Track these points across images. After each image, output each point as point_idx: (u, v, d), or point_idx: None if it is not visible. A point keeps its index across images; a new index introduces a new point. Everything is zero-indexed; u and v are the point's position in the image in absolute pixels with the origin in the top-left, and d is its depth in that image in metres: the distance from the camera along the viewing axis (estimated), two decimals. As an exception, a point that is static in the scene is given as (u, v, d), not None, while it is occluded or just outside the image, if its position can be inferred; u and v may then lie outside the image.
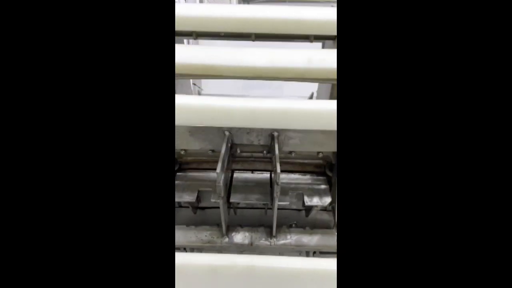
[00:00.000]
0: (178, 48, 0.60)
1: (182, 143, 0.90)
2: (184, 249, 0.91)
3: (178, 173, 1.06)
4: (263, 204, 1.01)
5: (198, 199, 1.03)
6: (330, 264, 0.56)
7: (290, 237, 0.91)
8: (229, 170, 1.02)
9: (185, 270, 0.50)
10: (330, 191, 1.02)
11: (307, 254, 0.92)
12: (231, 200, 0.96)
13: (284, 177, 1.08)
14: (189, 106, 0.65)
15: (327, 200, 0.98)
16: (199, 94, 1.61)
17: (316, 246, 0.91)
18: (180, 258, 0.52)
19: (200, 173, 1.07)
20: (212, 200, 0.97)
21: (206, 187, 1.00)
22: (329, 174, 1.08)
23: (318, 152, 0.98)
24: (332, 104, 0.68)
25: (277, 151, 0.83)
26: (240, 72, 0.53)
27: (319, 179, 1.08)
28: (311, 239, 0.92)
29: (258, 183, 1.05)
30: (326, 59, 0.56)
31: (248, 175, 1.08)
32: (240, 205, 1.07)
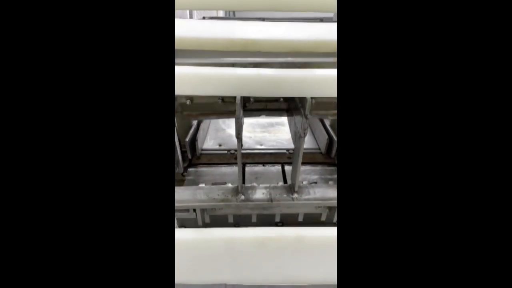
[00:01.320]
0: (210, 22, 0.58)
1: (187, 88, 0.70)
2: (194, 211, 0.82)
3: (189, 169, 1.03)
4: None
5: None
6: None
7: (314, 192, 0.83)
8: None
9: (233, 245, 0.48)
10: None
11: (330, 209, 0.85)
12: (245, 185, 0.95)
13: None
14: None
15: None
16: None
17: None
18: (227, 233, 0.50)
19: (211, 167, 1.05)
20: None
21: (218, 180, 0.98)
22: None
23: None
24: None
25: None
26: (278, 47, 0.52)
27: (330, 169, 1.08)
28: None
29: (271, 175, 1.04)
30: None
31: (259, 168, 1.07)
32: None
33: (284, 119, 1.39)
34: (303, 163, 1.11)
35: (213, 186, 0.88)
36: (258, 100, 0.88)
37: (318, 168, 1.09)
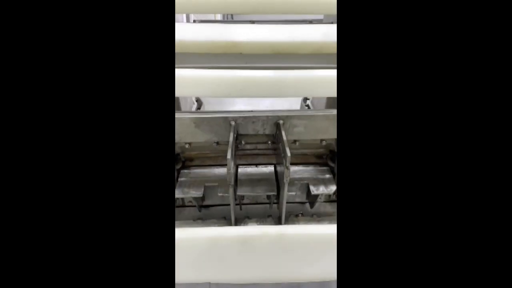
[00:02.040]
0: (194, 25, 0.60)
1: (186, 135, 0.90)
2: None
3: (182, 170, 1.04)
4: (269, 196, 1.01)
5: (204, 196, 1.02)
6: None
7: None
8: (234, 165, 1.02)
9: (218, 242, 0.49)
10: (334, 179, 1.03)
11: None
12: (238, 193, 0.96)
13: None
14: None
15: (333, 188, 0.99)
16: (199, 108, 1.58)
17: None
18: (213, 232, 0.52)
19: (205, 169, 1.06)
20: (219, 195, 0.97)
21: (211, 183, 0.99)
22: (332, 164, 1.09)
23: (321, 140, 0.99)
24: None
25: (284, 136, 0.83)
26: (260, 48, 0.54)
27: (322, 169, 1.09)
28: (318, 228, 0.92)
29: (263, 177, 1.05)
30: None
31: (252, 169, 1.08)
32: (245, 201, 1.07)
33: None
34: (296, 164, 1.13)
35: (210, 220, 0.95)
36: (248, 142, 0.99)
37: (310, 168, 1.10)
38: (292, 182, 1.01)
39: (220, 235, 0.52)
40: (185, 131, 0.87)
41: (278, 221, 0.92)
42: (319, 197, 1.04)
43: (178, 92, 0.66)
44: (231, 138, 0.80)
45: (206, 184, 0.98)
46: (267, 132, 0.92)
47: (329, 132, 0.92)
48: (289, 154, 0.74)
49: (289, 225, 0.53)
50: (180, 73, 0.66)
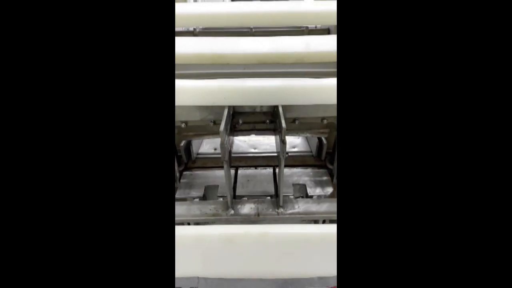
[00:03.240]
0: (184, 39, 0.64)
1: (182, 113, 0.87)
2: (188, 224, 0.88)
3: (184, 172, 1.09)
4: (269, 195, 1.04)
5: (204, 196, 1.06)
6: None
7: (298, 207, 0.88)
8: (231, 143, 1.01)
9: (202, 241, 0.53)
10: (332, 182, 1.06)
11: (315, 223, 0.89)
12: (237, 194, 1.00)
13: (287, 171, 1.12)
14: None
15: (329, 190, 1.02)
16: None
17: (325, 213, 0.87)
18: (197, 230, 0.56)
19: (206, 171, 1.11)
20: (218, 196, 1.01)
21: (211, 183, 1.04)
22: (330, 167, 1.12)
23: (323, 119, 0.94)
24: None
25: (281, 110, 0.79)
26: (245, 59, 0.57)
27: (320, 171, 1.12)
28: (320, 207, 0.89)
29: (262, 178, 1.09)
30: (323, 43, 0.60)
31: (251, 171, 1.12)
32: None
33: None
34: (295, 166, 1.16)
35: (206, 201, 0.95)
36: (246, 122, 0.95)
37: (308, 170, 1.13)
38: (289, 185, 1.04)
39: (209, 233, 0.56)
40: (180, 109, 0.83)
41: (276, 204, 0.90)
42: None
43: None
44: (225, 111, 0.78)
45: (206, 185, 1.03)
46: (264, 109, 0.91)
47: (329, 110, 0.88)
48: (284, 126, 0.72)
49: (271, 224, 0.56)
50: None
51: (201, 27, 0.94)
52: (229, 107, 0.81)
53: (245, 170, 1.13)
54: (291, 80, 0.64)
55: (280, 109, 0.77)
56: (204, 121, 0.89)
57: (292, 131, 0.98)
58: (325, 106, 0.86)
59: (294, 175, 1.11)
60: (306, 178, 1.08)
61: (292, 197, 0.97)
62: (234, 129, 0.95)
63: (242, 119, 0.92)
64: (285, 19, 0.83)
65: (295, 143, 1.31)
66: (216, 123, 0.88)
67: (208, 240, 0.54)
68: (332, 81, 0.68)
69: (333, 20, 0.86)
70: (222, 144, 0.69)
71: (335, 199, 0.91)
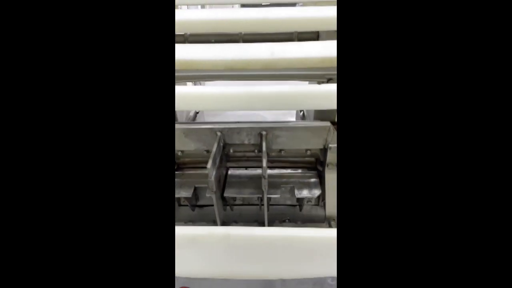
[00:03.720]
0: None
1: (178, 144, 0.99)
2: None
3: (175, 172, 1.13)
4: (257, 198, 1.06)
5: (196, 196, 1.09)
6: (300, 231, 0.62)
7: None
8: (223, 168, 1.09)
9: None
10: (320, 184, 1.06)
11: None
12: (225, 194, 1.02)
13: (277, 172, 1.13)
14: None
15: (316, 192, 1.02)
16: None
17: None
18: None
19: (197, 171, 1.14)
20: (207, 195, 1.04)
21: (202, 184, 1.06)
22: (320, 169, 1.12)
23: (306, 150, 1.03)
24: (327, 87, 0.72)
25: (264, 148, 0.90)
26: (214, 65, 0.59)
27: (310, 173, 1.12)
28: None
29: (251, 178, 1.10)
30: (287, 50, 0.61)
31: (242, 171, 1.14)
32: (236, 202, 1.13)
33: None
34: (285, 167, 1.17)
35: (199, 223, 1.05)
36: (237, 151, 1.05)
37: (298, 172, 1.13)
38: (278, 186, 1.06)
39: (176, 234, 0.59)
40: (176, 140, 0.95)
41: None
42: (308, 200, 1.08)
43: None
44: (214, 148, 0.87)
45: (196, 185, 1.06)
46: (252, 142, 0.98)
47: (312, 142, 0.97)
48: (265, 165, 0.83)
49: (238, 226, 0.59)
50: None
51: (188, 33, 0.97)
52: (219, 140, 0.87)
53: (235, 171, 1.15)
54: (256, 87, 0.66)
55: (264, 147, 0.86)
56: (198, 150, 1.02)
57: (279, 162, 1.11)
58: (307, 139, 0.95)
59: (284, 176, 1.12)
60: (295, 180, 1.09)
61: (277, 221, 1.04)
62: (227, 157, 1.05)
63: (233, 148, 1.02)
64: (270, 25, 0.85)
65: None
66: (209, 151, 0.98)
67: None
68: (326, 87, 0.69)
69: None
70: (209, 179, 0.78)
71: (319, 224, 0.99)
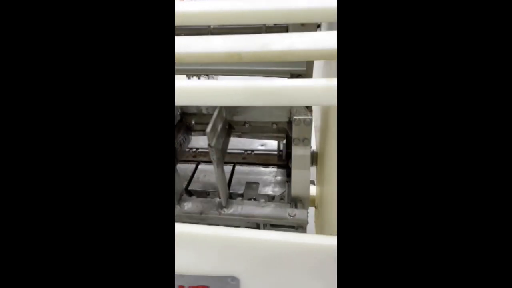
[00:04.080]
0: None
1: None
2: None
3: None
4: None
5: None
6: (239, 232, 0.63)
7: (241, 209, 0.92)
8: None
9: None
10: (286, 182, 1.09)
11: (258, 226, 0.92)
12: (190, 188, 1.05)
13: (245, 169, 1.16)
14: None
15: (279, 190, 1.05)
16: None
17: (266, 217, 0.89)
18: None
19: (192, 165, 1.17)
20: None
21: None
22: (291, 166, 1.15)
23: (273, 123, 0.98)
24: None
25: (215, 114, 0.82)
26: (198, 59, 0.57)
27: (279, 171, 1.15)
28: (262, 211, 0.91)
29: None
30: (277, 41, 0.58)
31: (210, 166, 1.15)
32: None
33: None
34: (258, 164, 1.19)
35: None
36: (198, 123, 1.00)
37: (268, 169, 1.16)
38: (242, 182, 1.08)
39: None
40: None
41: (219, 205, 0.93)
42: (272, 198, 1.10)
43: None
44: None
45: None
46: (210, 111, 0.94)
47: (276, 115, 0.91)
48: (208, 130, 0.75)
49: (188, 224, 0.60)
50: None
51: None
52: (176, 107, 0.85)
53: (205, 166, 1.17)
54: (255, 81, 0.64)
55: (215, 113, 0.80)
56: None
57: (247, 134, 1.02)
58: (271, 110, 0.89)
59: (252, 173, 1.14)
60: (262, 177, 1.12)
61: (240, 199, 1.02)
62: (187, 130, 1.00)
63: (195, 119, 0.97)
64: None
65: (265, 141, 1.33)
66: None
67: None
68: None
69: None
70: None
71: (281, 204, 0.95)
